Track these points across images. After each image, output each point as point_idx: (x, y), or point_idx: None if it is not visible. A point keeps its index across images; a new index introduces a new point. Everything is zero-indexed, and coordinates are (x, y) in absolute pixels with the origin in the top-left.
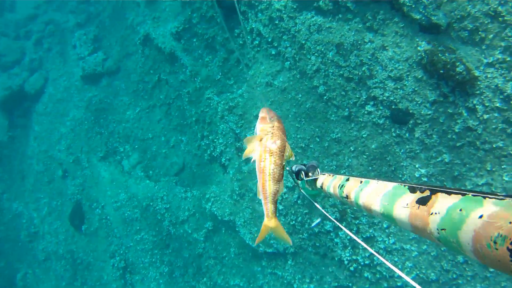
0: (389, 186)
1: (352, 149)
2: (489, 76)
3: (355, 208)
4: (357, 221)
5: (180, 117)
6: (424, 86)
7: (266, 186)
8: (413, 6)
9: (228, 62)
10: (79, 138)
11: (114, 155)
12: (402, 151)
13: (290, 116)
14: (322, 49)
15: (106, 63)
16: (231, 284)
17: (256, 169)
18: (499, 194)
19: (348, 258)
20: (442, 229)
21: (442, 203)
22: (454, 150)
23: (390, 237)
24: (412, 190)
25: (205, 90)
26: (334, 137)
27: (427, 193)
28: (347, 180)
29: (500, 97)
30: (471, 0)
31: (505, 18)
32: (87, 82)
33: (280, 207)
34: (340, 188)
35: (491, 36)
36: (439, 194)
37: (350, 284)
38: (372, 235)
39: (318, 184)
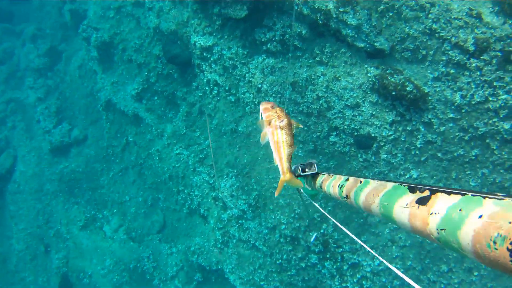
0: (388, 186)
1: None
2: (437, 90)
3: (355, 208)
4: (340, 249)
5: (153, 176)
6: (381, 109)
7: (281, 151)
8: (356, 36)
9: (191, 115)
10: (56, 211)
11: (94, 223)
12: (371, 174)
13: (259, 158)
14: (279, 90)
15: (72, 133)
16: None
17: (271, 144)
18: (498, 194)
19: (338, 287)
20: (441, 229)
21: (442, 203)
22: (420, 165)
23: (374, 260)
24: (412, 190)
25: (174, 146)
26: None
27: (426, 193)
28: (347, 180)
29: (452, 107)
30: (407, 22)
31: (441, 34)
32: (57, 155)
33: (265, 249)
34: (340, 188)
35: (432, 52)
36: (439, 194)
37: None
38: (357, 261)
39: (318, 184)
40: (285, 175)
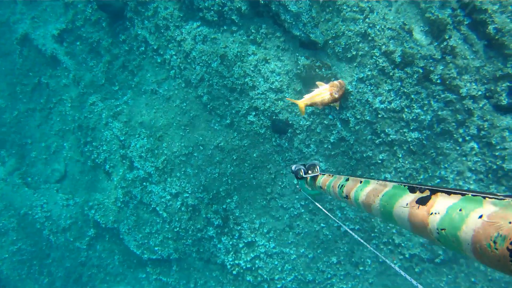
0: (388, 186)
1: (235, 158)
2: (360, 91)
3: (355, 208)
4: (239, 227)
5: (62, 123)
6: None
7: (315, 98)
8: (293, 23)
9: (113, 68)
10: None
11: None
12: (281, 159)
13: (174, 124)
14: (207, 59)
15: None
16: None
17: (316, 89)
18: (499, 194)
19: (231, 263)
20: (442, 229)
21: (442, 203)
22: (330, 159)
23: (270, 242)
24: (412, 190)
25: (89, 95)
26: (217, 145)
27: (427, 193)
28: (347, 180)
29: (370, 110)
30: (345, 21)
31: (374, 39)
32: None
33: (164, 215)
34: (340, 188)
35: (361, 53)
36: (439, 194)
37: None
38: (254, 240)
39: (318, 184)
40: (301, 103)
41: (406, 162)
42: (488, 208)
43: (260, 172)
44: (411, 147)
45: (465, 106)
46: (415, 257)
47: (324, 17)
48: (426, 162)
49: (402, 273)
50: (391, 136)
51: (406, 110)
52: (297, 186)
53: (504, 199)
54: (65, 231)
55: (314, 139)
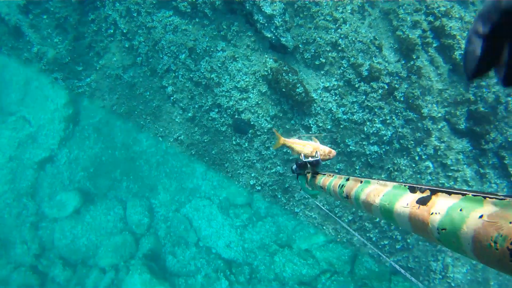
0: (389, 186)
1: (193, 152)
2: (324, 100)
3: (355, 208)
4: None
5: None
6: (267, 101)
7: (296, 145)
8: (266, 24)
9: (79, 47)
10: None
11: None
12: (240, 159)
13: (136, 112)
14: (175, 50)
15: None
16: None
17: (300, 141)
18: (499, 194)
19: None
20: (442, 229)
21: (442, 203)
22: (287, 164)
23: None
24: (412, 190)
25: (51, 72)
26: (177, 138)
27: (427, 193)
28: (347, 180)
29: (332, 119)
30: (317, 29)
31: (344, 49)
32: None
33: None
34: (340, 188)
35: (330, 61)
36: (439, 194)
37: None
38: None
39: (318, 184)
40: (282, 140)
41: (363, 174)
42: (488, 208)
43: (218, 170)
44: (369, 160)
45: (425, 126)
46: None
47: (297, 22)
48: (382, 176)
49: (409, 276)
50: (350, 147)
51: (367, 123)
52: (298, 186)
53: (504, 199)
54: None
55: (274, 142)
